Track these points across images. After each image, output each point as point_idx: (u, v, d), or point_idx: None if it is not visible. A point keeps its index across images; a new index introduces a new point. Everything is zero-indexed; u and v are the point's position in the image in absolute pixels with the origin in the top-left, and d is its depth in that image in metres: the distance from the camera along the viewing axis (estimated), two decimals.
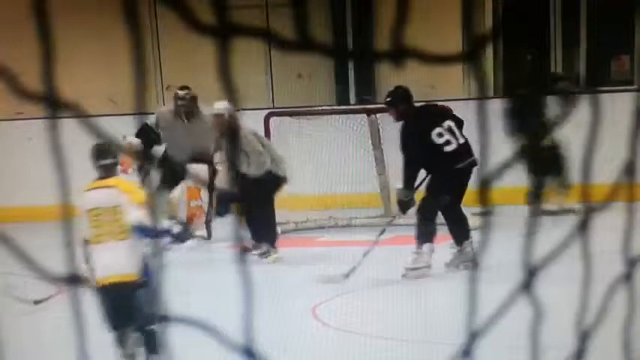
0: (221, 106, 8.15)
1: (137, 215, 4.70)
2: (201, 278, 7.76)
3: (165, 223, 5.02)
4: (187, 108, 9.34)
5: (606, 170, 1.60)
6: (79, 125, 0.91)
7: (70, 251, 0.99)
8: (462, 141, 7.53)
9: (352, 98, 12.35)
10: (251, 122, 8.53)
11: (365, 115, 10.38)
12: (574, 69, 12.02)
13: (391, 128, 10.16)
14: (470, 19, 2.21)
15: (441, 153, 7.50)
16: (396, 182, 9.99)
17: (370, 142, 10.27)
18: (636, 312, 1.29)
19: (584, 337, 1.17)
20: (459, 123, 7.64)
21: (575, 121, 1.06)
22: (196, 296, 6.72)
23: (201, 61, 11.76)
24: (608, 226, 2.23)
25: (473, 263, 7.39)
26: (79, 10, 11.96)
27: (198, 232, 9.33)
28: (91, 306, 4.66)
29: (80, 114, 0.89)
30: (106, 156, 4.92)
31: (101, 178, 4.94)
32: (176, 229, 5.28)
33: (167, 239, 5.24)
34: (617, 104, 8.43)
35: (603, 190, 1.14)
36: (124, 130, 8.22)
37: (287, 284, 7.39)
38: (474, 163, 7.39)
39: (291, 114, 10.32)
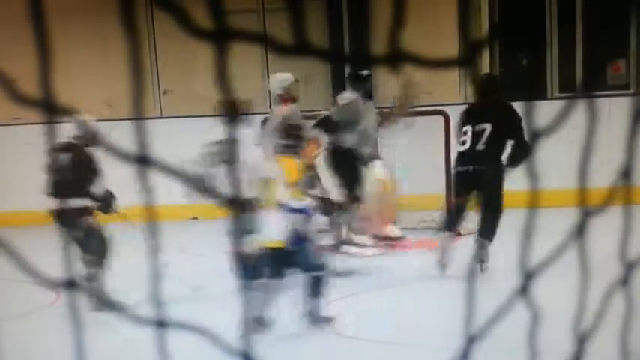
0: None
1: (281, 192, 5.54)
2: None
3: (305, 203, 5.67)
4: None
5: (603, 174, 1.60)
6: (77, 129, 0.91)
7: (67, 254, 0.98)
8: (480, 147, 7.29)
9: None
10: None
11: None
12: (570, 73, 12.05)
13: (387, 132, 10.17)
14: (466, 24, 2.22)
15: (456, 152, 7.54)
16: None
17: None
18: (634, 315, 1.29)
19: (582, 340, 1.17)
20: (505, 132, 7.22)
21: (571, 124, 1.06)
22: (195, 300, 6.73)
23: (198, 66, 11.79)
24: (605, 230, 2.24)
25: (483, 266, 7.28)
26: (76, 15, 11.97)
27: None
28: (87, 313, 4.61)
29: (77, 119, 0.88)
30: (288, 137, 5.82)
31: (280, 154, 5.80)
32: (310, 207, 5.82)
33: (312, 214, 5.92)
34: (613, 108, 8.44)
35: (600, 194, 1.14)
36: (121, 134, 8.20)
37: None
38: (475, 170, 7.25)
39: None
